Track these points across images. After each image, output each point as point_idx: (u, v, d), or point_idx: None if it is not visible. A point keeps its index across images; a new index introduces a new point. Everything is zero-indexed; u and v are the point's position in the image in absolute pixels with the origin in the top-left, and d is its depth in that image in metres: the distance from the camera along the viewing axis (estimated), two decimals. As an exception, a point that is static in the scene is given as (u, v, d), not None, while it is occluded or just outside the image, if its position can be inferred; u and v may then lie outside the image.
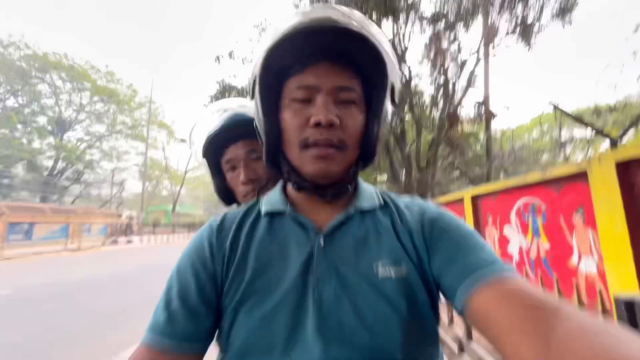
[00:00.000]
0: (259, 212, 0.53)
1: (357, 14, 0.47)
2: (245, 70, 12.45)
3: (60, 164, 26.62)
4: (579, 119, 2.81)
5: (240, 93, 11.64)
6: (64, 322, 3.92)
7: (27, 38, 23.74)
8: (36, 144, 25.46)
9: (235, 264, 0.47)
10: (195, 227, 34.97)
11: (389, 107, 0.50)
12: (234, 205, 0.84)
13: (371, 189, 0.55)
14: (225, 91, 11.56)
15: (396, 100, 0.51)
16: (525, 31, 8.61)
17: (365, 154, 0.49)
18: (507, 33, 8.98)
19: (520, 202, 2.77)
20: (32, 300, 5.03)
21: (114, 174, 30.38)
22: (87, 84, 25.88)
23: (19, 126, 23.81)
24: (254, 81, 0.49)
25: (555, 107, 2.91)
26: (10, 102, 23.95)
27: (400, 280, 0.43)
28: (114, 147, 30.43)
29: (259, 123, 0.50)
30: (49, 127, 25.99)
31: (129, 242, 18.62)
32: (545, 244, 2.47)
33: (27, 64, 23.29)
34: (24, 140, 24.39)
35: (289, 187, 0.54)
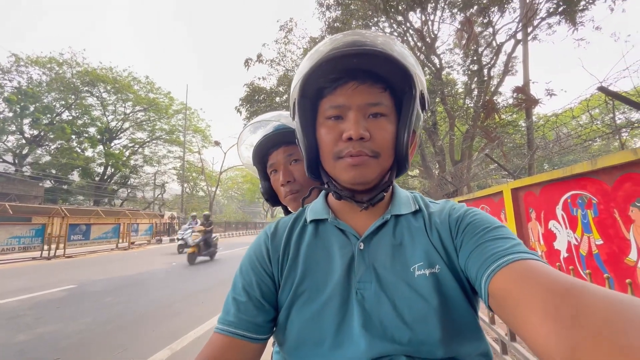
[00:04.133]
0: (305, 220, 0.59)
1: (380, 35, 0.51)
2: (273, 71, 12.68)
3: (109, 170, 29.05)
4: (630, 101, 2.49)
5: (269, 95, 11.86)
6: (122, 313, 4.31)
7: (78, 55, 25.88)
8: (88, 153, 28.03)
9: (288, 266, 0.53)
10: (231, 226, 36.42)
11: (420, 114, 0.53)
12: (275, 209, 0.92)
13: (407, 195, 0.59)
14: (255, 93, 11.86)
15: (426, 107, 0.54)
16: (570, 5, 7.89)
17: (399, 161, 0.52)
18: (549, 12, 8.32)
19: (567, 195, 2.59)
20: (93, 293, 5.59)
21: (155, 178, 32.56)
22: (130, 94, 27.90)
23: (73, 137, 26.30)
24: (294, 104, 0.54)
25: (604, 90, 2.63)
26: (65, 115, 26.55)
27: (434, 279, 0.46)
28: (154, 152, 32.61)
29: (301, 140, 0.55)
30: (99, 137, 28.44)
31: (172, 240, 19.88)
32: (597, 240, 2.29)
33: (79, 79, 25.59)
34: (78, 150, 26.93)
35: (330, 196, 0.60)
